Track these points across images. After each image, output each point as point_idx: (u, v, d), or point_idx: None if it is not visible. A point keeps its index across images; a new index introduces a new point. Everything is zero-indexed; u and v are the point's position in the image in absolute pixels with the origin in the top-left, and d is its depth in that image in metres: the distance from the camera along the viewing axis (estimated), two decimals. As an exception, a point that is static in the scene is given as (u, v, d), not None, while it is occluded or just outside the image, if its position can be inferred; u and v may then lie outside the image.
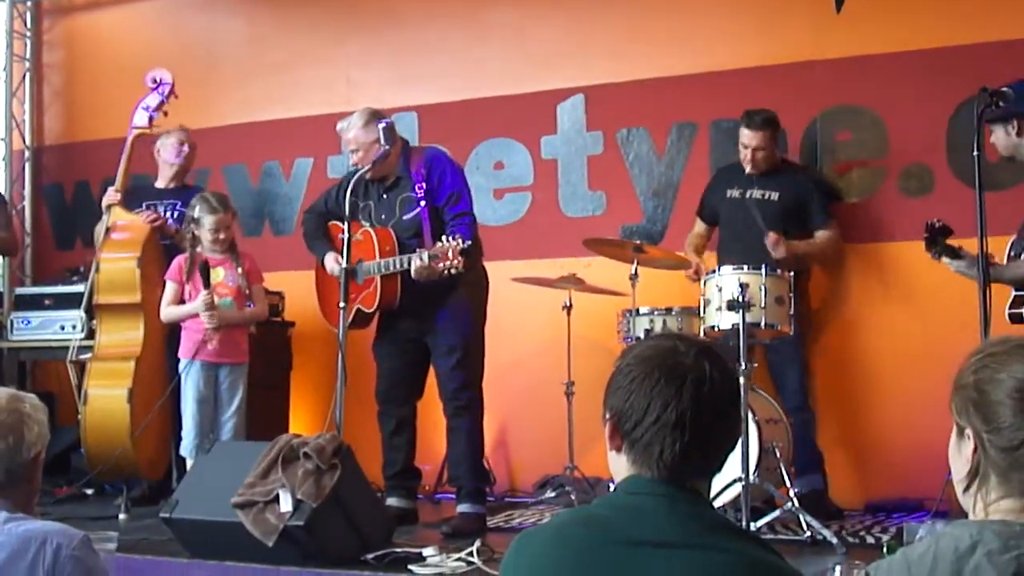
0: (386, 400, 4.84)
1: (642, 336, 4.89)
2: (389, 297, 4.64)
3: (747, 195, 5.16)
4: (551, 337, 5.51)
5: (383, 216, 4.75)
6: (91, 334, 5.56)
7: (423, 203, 4.60)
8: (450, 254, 4.19)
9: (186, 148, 5.77)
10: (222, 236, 5.05)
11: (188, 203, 5.24)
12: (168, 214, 5.63)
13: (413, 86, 6.30)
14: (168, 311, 5.09)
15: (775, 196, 5.17)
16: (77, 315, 5.84)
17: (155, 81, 5.64)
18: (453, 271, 4.22)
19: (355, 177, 4.64)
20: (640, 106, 5.91)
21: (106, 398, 5.22)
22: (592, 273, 5.42)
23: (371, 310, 4.71)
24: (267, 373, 5.74)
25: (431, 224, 4.58)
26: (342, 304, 4.37)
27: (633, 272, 4.99)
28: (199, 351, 4.96)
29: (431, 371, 4.80)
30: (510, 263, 5.78)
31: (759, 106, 5.20)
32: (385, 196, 4.76)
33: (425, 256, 4.29)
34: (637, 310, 4.96)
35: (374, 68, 6.48)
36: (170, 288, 5.09)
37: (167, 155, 5.78)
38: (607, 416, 1.72)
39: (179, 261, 5.11)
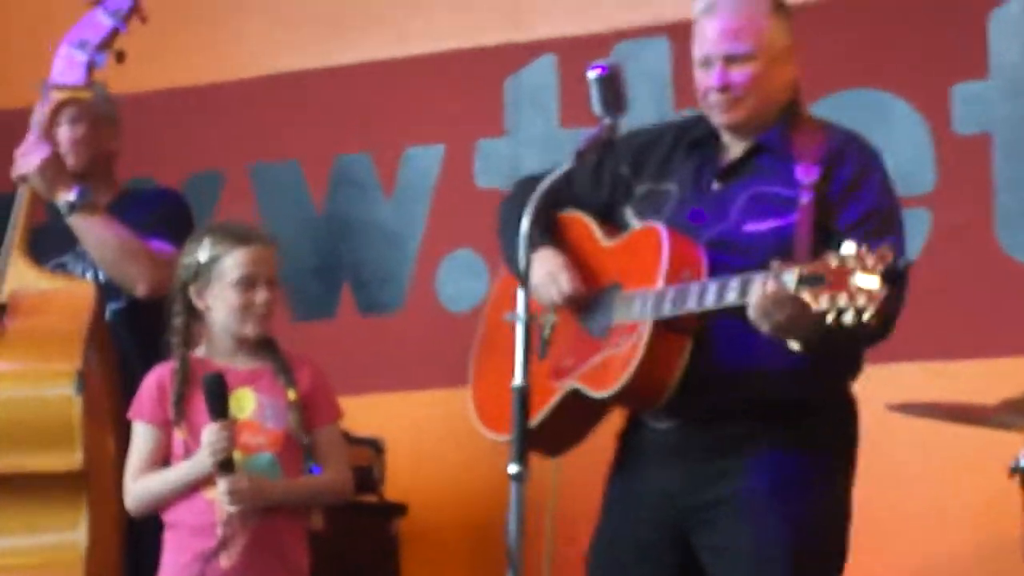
0: None
1: None
2: (656, 376, 4.66)
3: None
4: (984, 537, 5.90)
5: (692, 217, 4.85)
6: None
7: (804, 203, 4.69)
8: (856, 280, 4.15)
9: (81, 128, 5.97)
10: (261, 299, 5.16)
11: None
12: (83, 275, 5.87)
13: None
14: (144, 485, 5.21)
15: None
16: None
17: (99, -8, 5.97)
18: (852, 320, 4.16)
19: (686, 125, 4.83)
20: None
21: None
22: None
23: (602, 395, 4.72)
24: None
25: (808, 251, 4.64)
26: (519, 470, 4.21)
27: None
28: (202, 574, 5.08)
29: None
30: (883, 368, 5.67)
31: None
32: (716, 183, 4.87)
33: (791, 276, 4.27)
34: None
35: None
36: (145, 435, 5.24)
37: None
38: None
39: (159, 375, 5.25)
